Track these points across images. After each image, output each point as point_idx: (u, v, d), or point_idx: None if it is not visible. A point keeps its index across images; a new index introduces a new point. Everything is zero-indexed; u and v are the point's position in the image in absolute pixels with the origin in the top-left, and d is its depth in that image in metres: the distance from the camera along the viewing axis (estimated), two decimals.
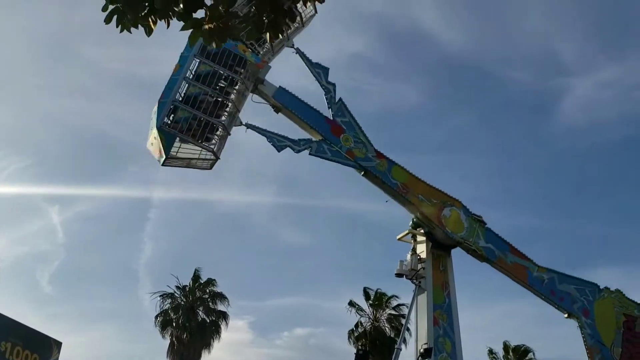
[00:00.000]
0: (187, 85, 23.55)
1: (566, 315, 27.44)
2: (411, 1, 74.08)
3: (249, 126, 24.26)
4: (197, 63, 23.77)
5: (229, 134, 24.18)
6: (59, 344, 38.07)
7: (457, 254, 27.00)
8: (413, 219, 27.11)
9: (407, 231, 27.31)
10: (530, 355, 41.79)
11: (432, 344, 23.66)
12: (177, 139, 23.48)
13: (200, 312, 37.83)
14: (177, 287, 37.99)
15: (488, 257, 26.12)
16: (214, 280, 38.54)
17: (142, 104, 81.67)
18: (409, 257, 26.60)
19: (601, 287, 28.42)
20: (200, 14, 4.53)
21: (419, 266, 25.96)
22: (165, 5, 4.37)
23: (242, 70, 24.30)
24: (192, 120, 23.30)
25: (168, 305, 37.31)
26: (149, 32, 4.65)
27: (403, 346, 27.74)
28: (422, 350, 20.83)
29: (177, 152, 23.88)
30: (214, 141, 23.98)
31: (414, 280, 25.77)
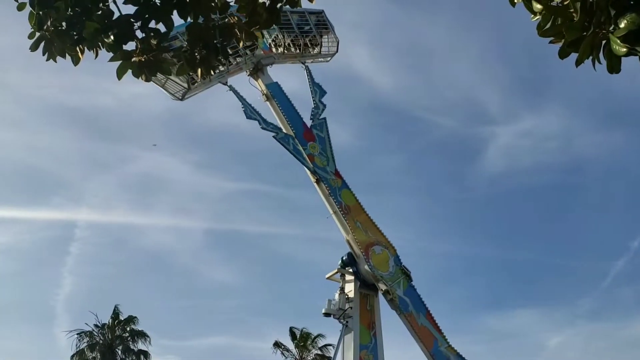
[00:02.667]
0: None
1: None
2: (344, 44, 76.29)
3: (231, 88, 26.60)
4: None
5: (210, 82, 26.00)
6: None
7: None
8: (342, 258, 27.27)
9: (336, 270, 27.39)
10: None
11: None
12: None
13: (119, 352, 36.16)
14: (96, 325, 36.26)
15: (400, 307, 25.84)
16: (135, 318, 37.08)
17: (69, 133, 79.05)
18: (337, 296, 26.62)
19: None
20: (130, 45, 4.49)
21: (347, 305, 26.02)
22: (95, 35, 4.30)
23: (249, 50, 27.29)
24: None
25: (85, 344, 35.49)
26: (75, 61, 4.55)
27: None
28: None
29: None
30: (196, 83, 26.13)
31: (342, 320, 25.77)
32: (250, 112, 26.25)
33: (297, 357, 39.51)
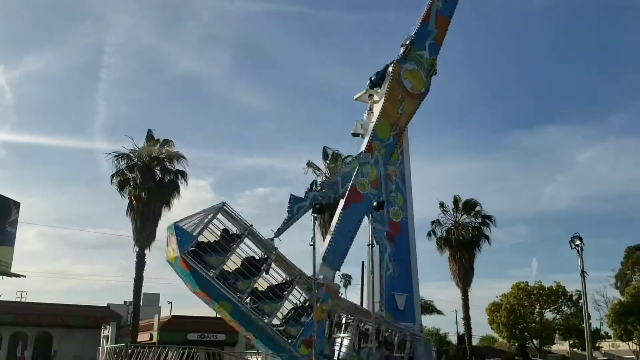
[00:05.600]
0: None
1: None
2: None
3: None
4: None
5: None
6: (17, 204, 38.28)
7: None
8: (371, 78, 26.88)
9: (364, 91, 27.19)
10: (477, 208, 44.51)
11: (385, 197, 24.60)
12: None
13: (157, 172, 37.79)
14: (132, 149, 37.54)
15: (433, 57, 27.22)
16: (170, 141, 38.18)
17: None
18: (365, 116, 26.71)
19: None
20: None
21: None
22: None
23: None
24: None
25: (124, 165, 37.11)
26: None
27: None
28: (375, 204, 21.62)
29: None
30: None
31: None
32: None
33: (328, 175, 40.79)
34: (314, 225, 19.59)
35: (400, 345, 21.74)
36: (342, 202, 23.60)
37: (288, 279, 20.28)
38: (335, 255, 22.35)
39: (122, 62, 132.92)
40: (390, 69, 26.17)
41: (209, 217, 19.28)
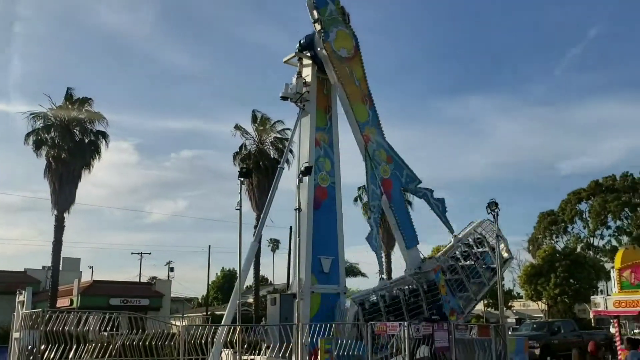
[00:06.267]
0: None
1: None
2: None
3: None
4: None
5: None
6: None
7: None
8: (300, 41, 26.53)
9: (293, 54, 26.85)
10: None
11: (313, 162, 24.70)
12: None
13: (76, 132, 36.27)
14: (50, 108, 35.73)
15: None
16: (90, 99, 36.55)
17: None
18: (294, 80, 26.45)
19: None
20: None
21: (304, 89, 26.02)
22: None
23: None
24: None
25: (41, 124, 35.31)
26: None
27: (286, 166, 28.71)
28: (302, 169, 21.68)
29: None
30: None
31: (299, 104, 25.93)
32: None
33: (257, 139, 40.63)
34: (240, 189, 19.43)
35: None
36: (384, 198, 25.29)
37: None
38: (410, 237, 25.62)
39: (39, 15, 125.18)
40: (324, 52, 25.50)
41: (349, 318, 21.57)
